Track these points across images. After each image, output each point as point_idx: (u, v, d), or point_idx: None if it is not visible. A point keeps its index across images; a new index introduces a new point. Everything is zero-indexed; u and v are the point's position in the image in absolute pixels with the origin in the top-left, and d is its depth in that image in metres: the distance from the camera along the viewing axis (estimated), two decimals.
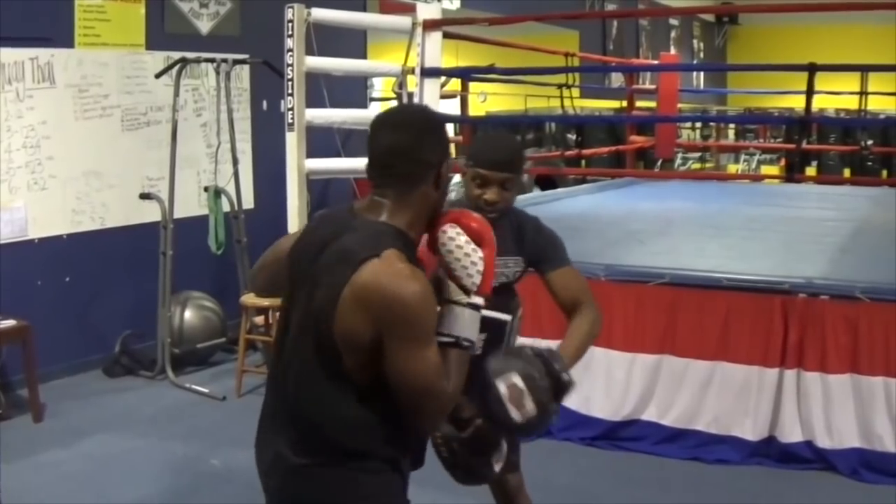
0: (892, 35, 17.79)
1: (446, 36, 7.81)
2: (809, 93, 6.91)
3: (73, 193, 7.30)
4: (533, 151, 14.48)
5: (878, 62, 8.87)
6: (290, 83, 6.92)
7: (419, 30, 7.51)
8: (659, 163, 14.01)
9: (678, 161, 16.98)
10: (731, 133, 20.05)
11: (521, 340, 3.74)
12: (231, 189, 7.70)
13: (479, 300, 2.48)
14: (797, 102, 13.14)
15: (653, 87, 12.50)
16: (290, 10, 6.87)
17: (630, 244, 7.08)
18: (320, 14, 7.03)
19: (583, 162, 13.17)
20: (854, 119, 13.06)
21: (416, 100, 7.53)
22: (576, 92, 10.69)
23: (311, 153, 7.07)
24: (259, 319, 7.39)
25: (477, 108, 13.17)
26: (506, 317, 3.19)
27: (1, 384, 6.62)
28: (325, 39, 7.25)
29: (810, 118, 7.93)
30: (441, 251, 2.50)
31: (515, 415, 2.72)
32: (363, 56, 9.69)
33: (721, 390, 5.54)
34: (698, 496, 5.14)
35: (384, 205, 2.46)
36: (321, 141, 7.55)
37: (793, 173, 12.35)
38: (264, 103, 8.66)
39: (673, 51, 19.27)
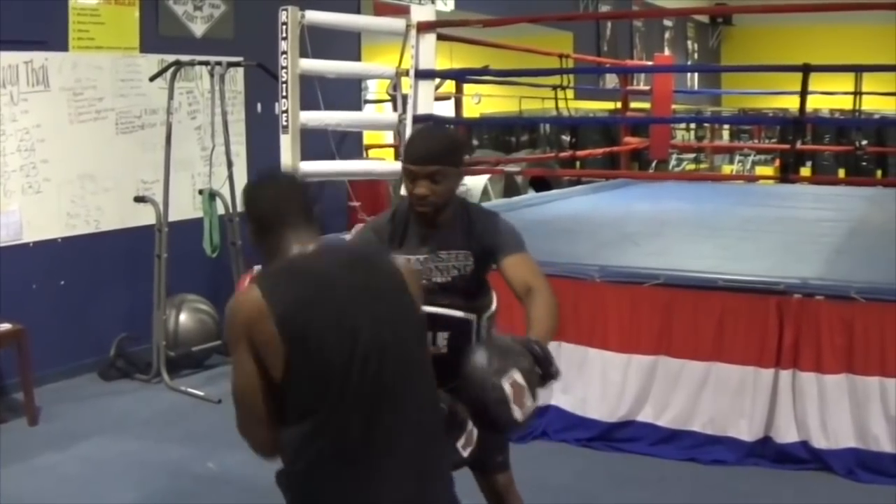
0: (886, 35, 17.83)
1: (440, 38, 7.81)
2: (804, 93, 6.92)
3: (68, 197, 7.30)
4: (527, 153, 14.51)
5: (873, 62, 8.86)
6: (284, 85, 6.92)
7: (413, 32, 7.51)
8: (653, 164, 14.03)
9: (673, 162, 16.99)
10: (725, 134, 20.04)
11: None
12: (226, 192, 7.69)
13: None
14: (791, 103, 13.12)
15: (647, 88, 12.49)
16: (284, 12, 6.87)
17: (625, 245, 7.08)
18: (314, 16, 7.03)
19: (577, 163, 13.17)
20: (848, 119, 13.10)
21: (410, 102, 7.53)
22: (570, 93, 10.67)
23: (306, 155, 7.07)
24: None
25: (471, 110, 13.16)
26: (464, 314, 3.19)
27: None
28: (319, 42, 7.25)
29: (805, 119, 7.95)
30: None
31: (518, 414, 2.67)
32: (357, 58, 9.68)
33: (717, 391, 5.54)
34: (694, 497, 5.14)
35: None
36: (315, 143, 7.55)
37: (787, 174, 12.38)
38: (258, 106, 8.66)
39: (667, 52, 19.28)
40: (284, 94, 6.92)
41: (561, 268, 6.00)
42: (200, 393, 6.93)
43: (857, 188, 11.60)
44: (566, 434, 5.83)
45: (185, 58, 7.57)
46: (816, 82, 7.20)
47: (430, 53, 7.61)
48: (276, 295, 2.46)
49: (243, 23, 8.48)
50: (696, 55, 22.72)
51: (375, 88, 13.38)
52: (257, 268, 2.73)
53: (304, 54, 7.00)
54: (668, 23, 20.67)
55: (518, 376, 2.66)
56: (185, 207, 7.90)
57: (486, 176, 11.96)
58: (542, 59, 10.35)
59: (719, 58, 24.18)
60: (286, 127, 6.91)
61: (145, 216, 7.48)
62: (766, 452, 5.43)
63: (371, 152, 11.76)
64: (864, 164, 16.36)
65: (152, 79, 7.56)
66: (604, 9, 16.74)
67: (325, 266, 2.58)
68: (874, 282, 5.40)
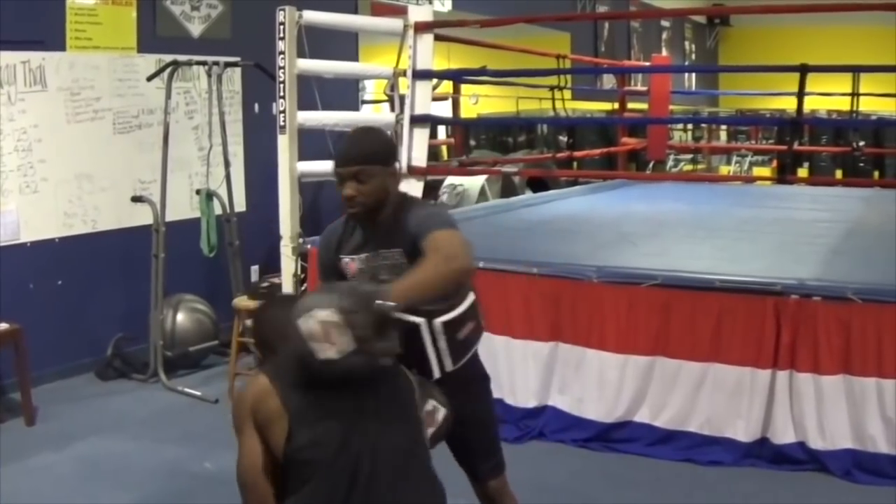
0: (883, 36, 17.83)
1: (438, 38, 7.81)
2: (801, 94, 6.92)
3: (65, 196, 7.29)
4: (525, 153, 14.50)
5: (870, 63, 8.86)
6: (281, 85, 6.91)
7: (411, 32, 7.51)
8: (651, 164, 14.01)
9: (670, 163, 16.97)
10: (723, 134, 20.05)
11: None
12: (223, 192, 7.69)
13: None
14: (789, 104, 13.16)
15: (644, 88, 12.48)
16: (282, 12, 6.86)
17: (622, 246, 7.09)
18: (312, 16, 7.03)
19: (575, 164, 13.17)
20: (846, 120, 13.09)
21: (407, 102, 7.53)
22: (567, 94, 10.68)
23: (303, 155, 7.07)
24: (251, 322, 7.37)
25: (469, 111, 13.16)
26: (410, 318, 3.16)
27: None
28: (317, 42, 7.24)
29: (802, 119, 7.94)
30: None
31: (326, 352, 2.57)
32: (355, 58, 9.69)
33: (714, 391, 5.54)
34: (691, 497, 5.15)
35: None
36: (313, 143, 7.54)
37: (785, 174, 12.40)
38: (256, 106, 8.66)
39: (664, 52, 19.26)
40: (282, 94, 6.91)
41: (558, 268, 6.02)
42: (197, 393, 6.94)
43: (854, 189, 11.59)
44: (563, 434, 5.84)
45: (182, 58, 7.58)
46: (814, 83, 7.19)
47: (428, 54, 7.60)
48: (279, 376, 2.66)
49: (241, 23, 8.48)
50: (693, 56, 22.71)
51: (373, 89, 13.38)
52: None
53: (301, 54, 6.99)
54: (665, 23, 20.66)
55: (327, 314, 2.57)
56: (182, 207, 7.91)
57: (484, 176, 11.94)
58: (540, 60, 10.35)
59: (717, 58, 24.17)
60: (283, 127, 6.90)
61: (142, 216, 7.49)
62: (763, 453, 5.44)
63: None
64: (862, 165, 16.36)
65: (150, 79, 7.57)
66: (601, 9, 16.73)
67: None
68: (871, 283, 5.41)
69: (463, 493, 3.63)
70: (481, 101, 11.79)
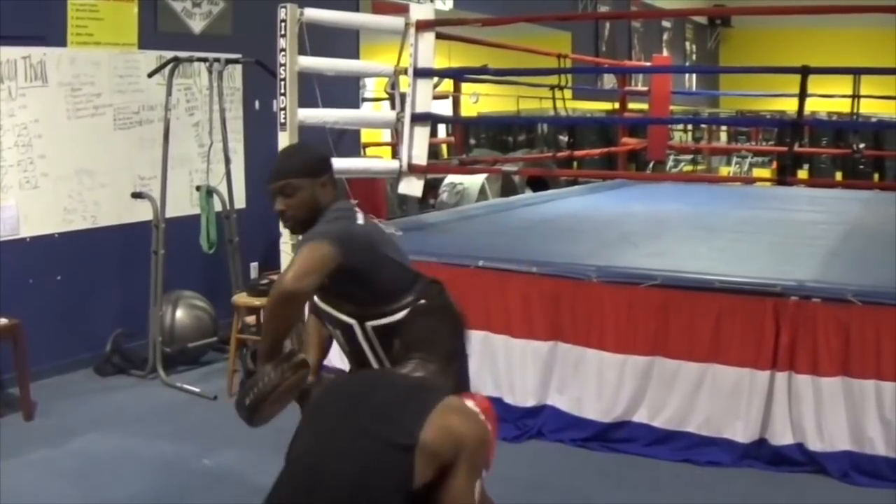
0: (884, 38, 17.84)
1: (439, 36, 7.80)
2: (802, 95, 6.92)
3: (65, 192, 7.30)
4: (525, 152, 14.50)
5: (871, 65, 8.88)
6: (282, 83, 6.91)
7: (412, 30, 7.51)
8: (651, 165, 14.02)
9: (670, 163, 16.98)
10: (723, 135, 20.07)
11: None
12: (223, 188, 7.69)
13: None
14: (789, 105, 13.15)
15: (645, 88, 12.49)
16: (283, 9, 6.86)
17: (622, 246, 7.08)
18: (313, 14, 7.03)
19: (575, 163, 13.17)
20: (846, 122, 13.10)
21: (408, 100, 7.53)
22: (568, 93, 10.68)
23: None
24: (250, 319, 7.39)
25: (469, 109, 13.16)
26: (343, 317, 3.29)
27: None
28: (318, 39, 7.24)
29: (802, 121, 7.94)
30: None
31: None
32: (356, 56, 9.69)
33: (712, 392, 5.54)
34: (689, 498, 5.14)
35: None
36: (313, 140, 7.52)
37: (785, 176, 12.37)
38: (256, 103, 8.66)
39: (665, 53, 19.26)
40: (283, 91, 6.91)
41: (558, 268, 6.02)
42: (196, 389, 6.93)
43: (854, 191, 11.58)
44: (562, 434, 5.83)
45: (183, 54, 7.58)
46: (815, 85, 7.20)
47: (429, 52, 7.60)
48: None
49: (242, 20, 8.48)
50: (694, 56, 22.73)
51: (374, 86, 13.37)
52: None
53: (302, 52, 6.99)
54: (666, 24, 20.68)
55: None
56: (182, 204, 7.91)
57: (484, 175, 11.96)
58: (541, 59, 10.35)
59: (717, 59, 24.20)
60: (284, 124, 6.90)
61: (142, 212, 7.49)
62: (762, 454, 5.43)
63: (369, 150, 11.78)
64: (862, 167, 16.38)
65: (150, 75, 7.57)
66: (602, 9, 16.74)
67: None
68: (870, 285, 5.40)
69: None
70: (482, 100, 11.79)
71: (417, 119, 7.51)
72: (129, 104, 7.69)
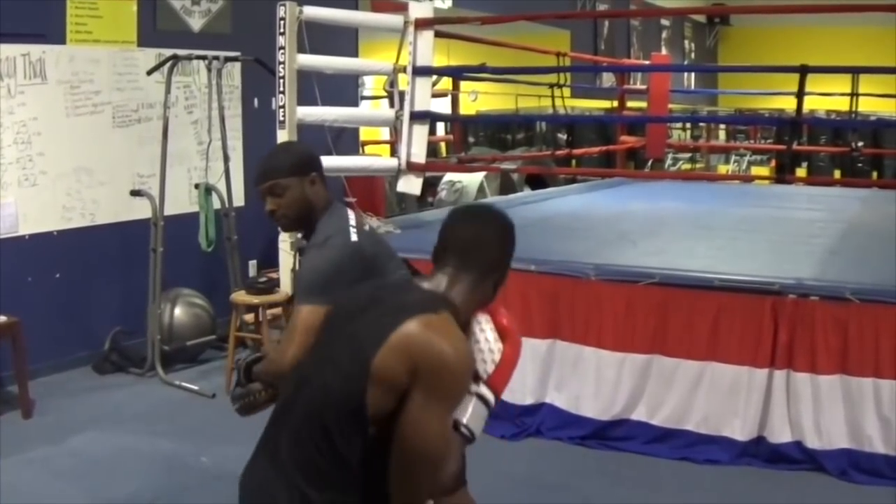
0: (883, 37, 17.83)
1: (438, 35, 7.81)
2: (800, 94, 6.92)
3: (64, 190, 7.29)
4: (523, 151, 14.51)
5: (870, 64, 8.88)
6: (281, 81, 6.92)
7: (411, 28, 7.51)
8: (649, 163, 14.03)
9: (668, 161, 17.00)
10: (721, 134, 20.07)
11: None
12: (222, 186, 7.69)
13: (485, 391, 2.56)
14: (788, 103, 13.19)
15: (644, 87, 12.50)
16: (282, 7, 6.87)
17: (620, 244, 7.08)
18: (312, 12, 7.03)
19: (573, 162, 13.15)
20: (845, 120, 13.09)
21: (407, 98, 7.53)
22: (567, 91, 10.70)
23: None
24: (249, 317, 7.39)
25: (468, 107, 13.17)
26: None
27: None
28: (317, 37, 7.24)
29: (801, 119, 7.94)
30: (469, 340, 2.59)
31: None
32: (355, 54, 9.69)
33: (711, 390, 5.54)
34: (688, 496, 5.14)
35: (456, 285, 2.56)
36: (312, 139, 7.53)
37: (783, 174, 12.38)
38: (255, 101, 8.66)
39: (664, 51, 19.28)
40: (282, 89, 6.92)
41: (556, 266, 6.03)
42: (195, 387, 6.93)
43: (852, 189, 11.60)
44: (560, 432, 5.84)
45: (182, 52, 7.57)
46: (813, 83, 7.20)
47: (428, 50, 7.60)
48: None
49: (241, 18, 8.48)
50: (692, 55, 22.73)
51: (372, 85, 13.37)
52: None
53: (301, 50, 7.00)
54: (665, 22, 20.68)
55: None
56: (181, 202, 7.90)
57: (482, 173, 11.96)
58: (539, 57, 10.36)
59: (716, 58, 24.19)
60: (283, 122, 6.91)
61: (141, 210, 7.49)
62: (760, 452, 5.44)
63: (367, 148, 11.78)
64: (860, 165, 16.38)
65: (149, 73, 7.57)
66: (601, 7, 16.74)
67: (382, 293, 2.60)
68: (868, 283, 5.41)
69: None
70: (481, 98, 11.79)
71: (416, 117, 7.51)
72: (128, 102, 7.69)
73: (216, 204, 7.64)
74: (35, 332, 6.70)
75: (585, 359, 5.83)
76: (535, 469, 5.38)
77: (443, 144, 12.90)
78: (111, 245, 7.62)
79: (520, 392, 5.96)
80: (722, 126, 20.18)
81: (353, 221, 3.41)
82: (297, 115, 6.94)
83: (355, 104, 10.47)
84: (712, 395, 5.54)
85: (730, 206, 9.53)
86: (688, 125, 19.16)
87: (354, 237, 3.34)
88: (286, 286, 6.94)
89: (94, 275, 7.54)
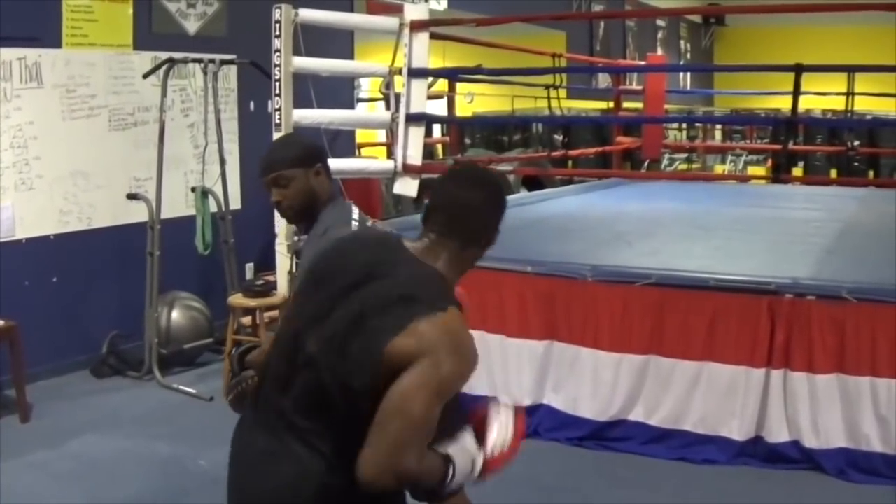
0: (879, 36, 17.85)
1: (433, 36, 7.82)
2: (796, 93, 6.93)
3: (61, 193, 7.29)
4: (520, 152, 14.52)
5: (865, 62, 8.87)
6: (277, 83, 6.93)
7: (406, 30, 7.52)
8: (646, 163, 14.03)
9: (665, 162, 16.99)
10: (717, 134, 20.07)
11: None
12: (218, 189, 7.70)
13: (480, 458, 2.56)
14: (784, 103, 13.13)
15: (640, 87, 12.51)
16: (278, 10, 6.88)
17: (617, 245, 7.09)
18: (308, 14, 7.04)
19: (569, 162, 13.18)
20: (841, 120, 13.09)
21: (403, 100, 7.53)
22: (563, 92, 10.68)
23: None
24: (246, 320, 7.39)
25: (464, 109, 13.17)
26: None
27: None
28: (313, 40, 7.25)
29: (797, 119, 7.95)
30: (493, 412, 2.65)
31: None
32: (350, 56, 9.69)
33: (708, 391, 5.55)
34: (685, 496, 5.15)
35: (441, 254, 2.52)
36: None
37: (779, 174, 12.38)
38: (251, 104, 8.66)
39: (660, 52, 19.30)
40: (277, 92, 6.93)
41: (553, 267, 6.03)
42: (192, 390, 6.93)
43: (848, 188, 11.60)
44: (557, 433, 5.84)
45: (178, 55, 7.58)
46: (809, 83, 7.21)
47: (423, 52, 7.62)
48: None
49: (237, 20, 8.48)
50: (688, 55, 22.73)
51: (368, 87, 13.39)
52: None
53: (297, 52, 7.01)
54: (660, 23, 20.68)
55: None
56: (177, 205, 7.90)
57: None
58: (535, 59, 10.36)
59: (712, 58, 24.19)
60: (279, 125, 6.92)
61: (138, 213, 7.49)
62: (758, 452, 5.45)
63: (363, 151, 11.78)
64: (856, 164, 16.39)
65: (146, 76, 7.57)
66: (597, 8, 16.74)
67: (356, 248, 2.61)
68: (865, 282, 5.42)
69: None
70: (477, 100, 11.80)
71: (412, 119, 7.53)
72: (124, 105, 7.68)
73: (213, 207, 7.64)
74: (32, 336, 6.69)
75: (582, 360, 5.84)
76: (533, 470, 5.37)
77: (439, 146, 12.92)
78: (108, 249, 7.62)
79: (517, 393, 5.96)
80: (718, 126, 20.18)
81: (356, 215, 3.43)
82: (293, 118, 6.95)
83: (351, 106, 10.47)
84: (709, 396, 5.55)
85: (726, 207, 9.54)
86: (684, 125, 19.17)
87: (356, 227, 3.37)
88: (283, 289, 6.95)
89: (92, 278, 7.54)
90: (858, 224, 8.21)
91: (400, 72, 7.59)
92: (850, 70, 8.77)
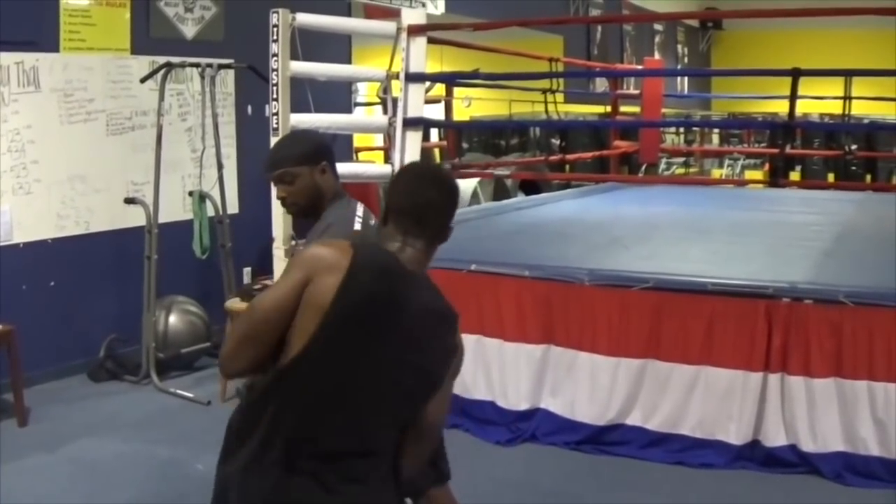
0: (875, 40, 17.87)
1: (431, 41, 7.81)
2: (793, 97, 6.93)
3: (58, 198, 7.29)
4: (517, 156, 14.52)
5: (862, 66, 8.90)
6: (274, 88, 6.91)
7: (404, 35, 7.51)
8: (643, 168, 14.03)
9: (662, 166, 16.99)
10: (715, 138, 20.06)
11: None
12: (216, 193, 7.70)
13: None
14: (781, 107, 13.14)
15: (637, 92, 12.52)
16: (275, 14, 6.87)
17: (614, 249, 7.09)
18: (305, 19, 7.03)
19: (567, 167, 13.17)
20: (838, 124, 13.13)
21: (400, 105, 7.53)
22: (560, 97, 10.67)
23: None
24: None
25: (461, 113, 13.17)
26: None
27: None
28: (310, 44, 7.25)
29: (794, 123, 7.95)
30: None
31: None
32: (348, 61, 9.70)
33: (705, 394, 5.55)
34: (683, 500, 5.15)
35: (419, 257, 2.63)
36: None
37: (777, 178, 12.42)
38: (249, 108, 8.67)
39: (657, 56, 19.27)
40: (275, 96, 6.91)
41: (550, 271, 6.03)
42: (189, 395, 6.94)
43: (846, 192, 11.61)
44: (555, 437, 5.84)
45: (175, 59, 7.57)
46: (806, 87, 7.22)
47: (421, 56, 7.61)
48: (360, 267, 2.49)
49: (234, 25, 8.49)
50: (686, 59, 22.72)
51: (366, 91, 13.38)
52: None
53: (294, 57, 7.00)
54: (658, 27, 20.67)
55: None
56: (175, 209, 7.91)
57: (476, 179, 11.97)
58: (533, 63, 10.35)
59: (709, 62, 24.19)
60: (276, 129, 6.90)
61: (135, 217, 7.49)
62: (755, 456, 5.45)
63: (361, 155, 11.77)
64: (854, 168, 16.42)
65: (143, 80, 7.56)
66: (594, 13, 16.73)
67: (407, 292, 2.58)
68: (862, 286, 5.42)
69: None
70: (474, 104, 11.82)
71: (410, 123, 7.52)
72: (121, 109, 7.69)
73: (210, 211, 7.65)
74: (30, 341, 6.69)
75: (580, 364, 5.84)
76: (531, 474, 5.38)
77: (436, 150, 12.90)
78: (106, 253, 7.62)
79: (514, 398, 5.97)
80: (715, 130, 20.17)
81: (360, 213, 3.44)
82: (290, 122, 6.94)
83: (349, 111, 10.48)
84: (707, 400, 5.55)
85: (724, 210, 9.54)
86: (681, 129, 19.17)
87: (358, 227, 3.37)
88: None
89: (89, 282, 7.54)
90: (856, 228, 8.22)
91: (397, 76, 7.59)
92: (847, 74, 8.81)
